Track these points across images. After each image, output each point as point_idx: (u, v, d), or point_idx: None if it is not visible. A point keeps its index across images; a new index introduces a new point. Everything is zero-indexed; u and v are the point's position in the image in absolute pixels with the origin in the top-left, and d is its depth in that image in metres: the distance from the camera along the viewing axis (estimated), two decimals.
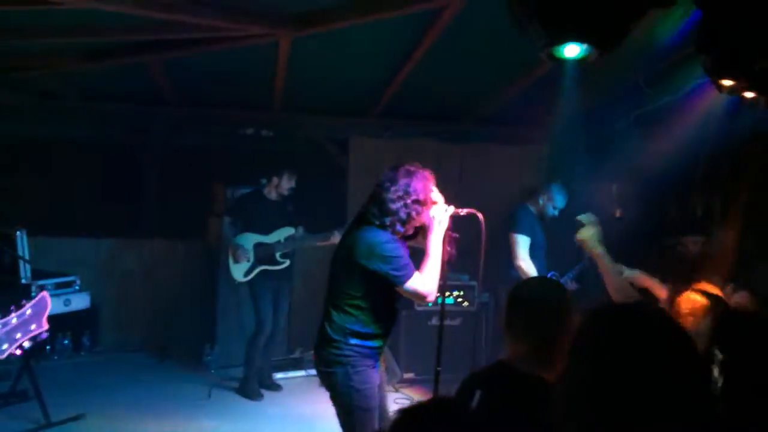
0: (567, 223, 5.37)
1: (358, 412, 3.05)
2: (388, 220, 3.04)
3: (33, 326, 2.41)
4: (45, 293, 2.40)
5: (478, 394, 2.13)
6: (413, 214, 3.06)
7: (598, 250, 3.23)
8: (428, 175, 3.15)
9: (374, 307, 3.07)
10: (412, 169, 3.12)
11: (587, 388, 1.35)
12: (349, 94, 6.37)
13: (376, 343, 3.11)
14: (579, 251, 5.42)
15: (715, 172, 5.17)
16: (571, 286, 5.00)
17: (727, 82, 2.64)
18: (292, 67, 5.39)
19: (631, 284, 3.74)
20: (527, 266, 4.99)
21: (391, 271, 2.98)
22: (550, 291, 2.31)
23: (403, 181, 3.06)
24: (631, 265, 4.02)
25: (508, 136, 7.14)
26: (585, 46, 2.39)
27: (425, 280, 3.04)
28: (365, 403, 3.04)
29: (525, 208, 5.30)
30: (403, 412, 1.52)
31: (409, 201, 3.04)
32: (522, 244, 5.06)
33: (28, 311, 2.40)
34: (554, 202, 5.30)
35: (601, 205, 6.12)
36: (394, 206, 3.04)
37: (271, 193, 5.78)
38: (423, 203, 3.07)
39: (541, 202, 5.30)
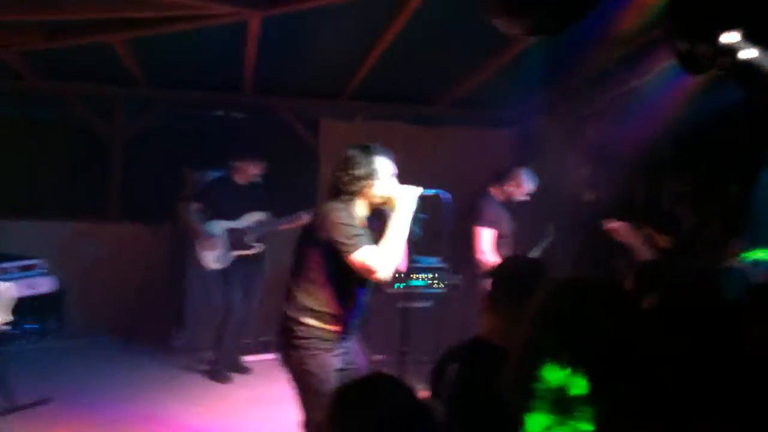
0: (529, 204, 5.40)
1: (313, 395, 3.06)
2: (338, 192, 3.13)
3: None
4: (11, 284, 2.24)
5: (454, 367, 2.15)
6: (359, 186, 3.11)
7: None
8: (377, 150, 3.19)
9: (331, 284, 3.09)
10: (365, 145, 3.20)
11: (538, 357, 1.37)
12: (320, 76, 6.32)
13: (332, 327, 3.10)
14: (541, 229, 5.47)
15: (683, 156, 5.24)
16: None
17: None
18: (263, 49, 5.31)
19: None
20: (488, 259, 4.94)
21: (340, 237, 2.99)
22: (532, 268, 2.36)
23: (347, 155, 3.15)
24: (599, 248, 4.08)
25: (479, 118, 7.15)
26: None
27: (378, 255, 3.02)
28: (321, 387, 3.04)
29: (488, 197, 5.17)
30: (338, 391, 1.56)
31: (350, 171, 3.10)
32: (485, 237, 4.99)
33: None
34: (524, 188, 5.19)
35: (571, 187, 6.20)
36: (339, 179, 3.13)
37: (239, 178, 5.73)
38: (365, 177, 3.11)
39: (509, 189, 5.18)
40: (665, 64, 4.60)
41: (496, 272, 2.37)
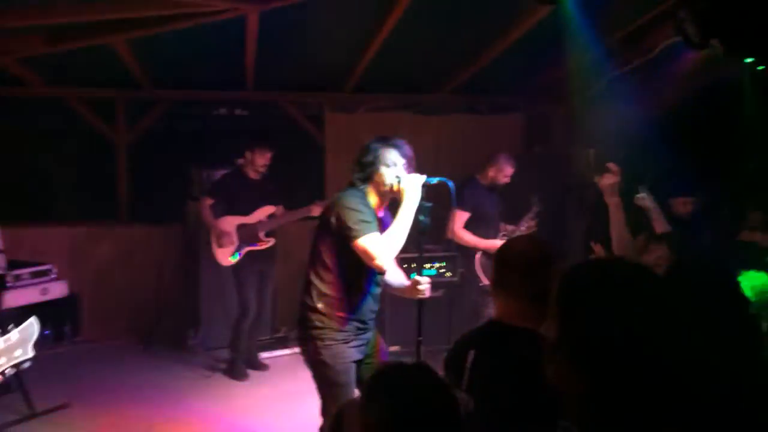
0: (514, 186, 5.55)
1: (328, 386, 3.12)
2: (355, 179, 3.20)
3: (18, 352, 2.21)
4: (34, 319, 2.19)
5: (472, 354, 2.10)
6: (367, 173, 3.18)
7: (616, 199, 3.34)
8: (400, 143, 3.24)
9: (341, 269, 3.13)
10: (384, 136, 3.27)
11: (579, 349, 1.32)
12: (322, 69, 6.29)
13: (342, 314, 3.13)
14: (528, 202, 5.62)
15: (694, 131, 5.18)
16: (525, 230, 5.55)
17: None
18: (263, 44, 5.30)
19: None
20: (458, 238, 5.43)
21: (348, 222, 3.03)
22: (540, 246, 2.29)
23: (370, 146, 3.22)
24: None
25: (483, 105, 7.11)
26: None
27: (381, 242, 3.05)
28: (336, 378, 3.09)
29: (472, 182, 5.52)
30: (383, 366, 1.62)
31: (360, 159, 3.19)
32: (458, 219, 5.38)
33: (15, 336, 2.20)
34: (504, 171, 5.50)
35: (578, 170, 6.17)
36: (359, 167, 3.20)
37: (250, 172, 5.70)
38: (371, 163, 3.17)
39: (491, 174, 5.50)
40: (668, 42, 4.57)
41: (498, 255, 2.31)
